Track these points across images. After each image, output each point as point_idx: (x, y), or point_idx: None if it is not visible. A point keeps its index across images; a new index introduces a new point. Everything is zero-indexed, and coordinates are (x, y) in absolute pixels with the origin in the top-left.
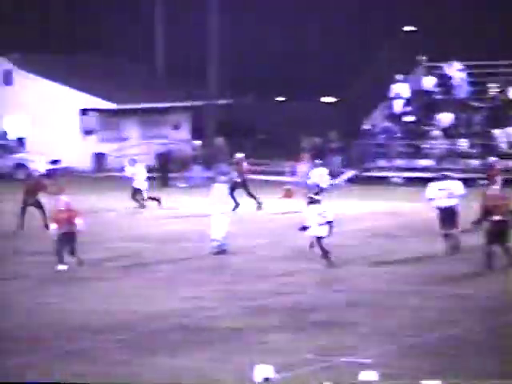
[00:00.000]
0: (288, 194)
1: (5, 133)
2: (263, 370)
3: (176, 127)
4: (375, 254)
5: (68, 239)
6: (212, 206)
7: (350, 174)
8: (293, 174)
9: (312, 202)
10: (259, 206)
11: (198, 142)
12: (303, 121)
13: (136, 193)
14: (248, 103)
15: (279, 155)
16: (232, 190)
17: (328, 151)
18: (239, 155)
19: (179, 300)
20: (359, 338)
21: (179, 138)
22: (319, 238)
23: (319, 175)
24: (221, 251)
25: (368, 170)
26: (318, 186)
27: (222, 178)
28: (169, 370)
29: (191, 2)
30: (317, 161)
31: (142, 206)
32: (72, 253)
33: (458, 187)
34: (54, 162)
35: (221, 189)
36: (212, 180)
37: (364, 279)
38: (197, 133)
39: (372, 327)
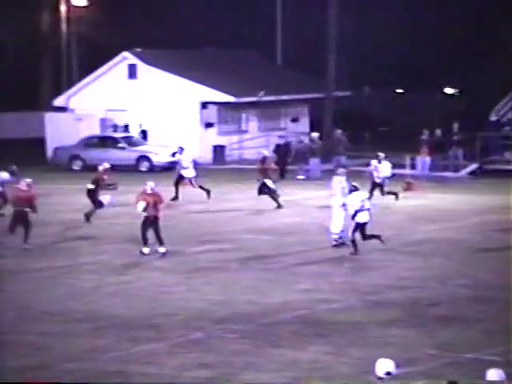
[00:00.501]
0: (409, 187)
1: (127, 126)
2: (385, 364)
3: (294, 120)
4: (496, 246)
5: (151, 223)
6: (332, 199)
7: (473, 166)
8: (413, 166)
9: (354, 189)
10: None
11: (316, 135)
12: (424, 112)
13: (180, 180)
14: (366, 95)
15: (399, 148)
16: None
17: (450, 143)
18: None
19: (298, 292)
20: (484, 334)
21: (297, 130)
22: (361, 224)
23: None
24: (340, 244)
25: (493, 162)
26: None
27: (341, 170)
28: (287, 362)
29: None
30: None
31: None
32: (158, 239)
33: None
34: (175, 153)
35: (340, 181)
36: (330, 172)
37: (486, 274)
38: (315, 125)
39: (498, 323)
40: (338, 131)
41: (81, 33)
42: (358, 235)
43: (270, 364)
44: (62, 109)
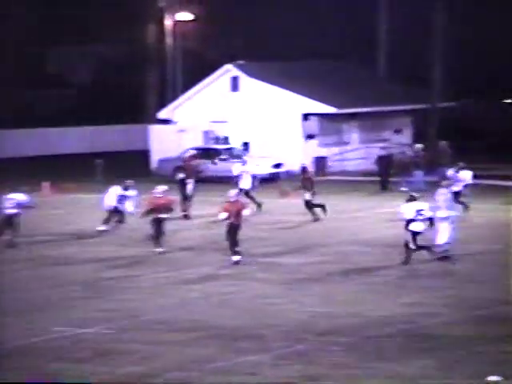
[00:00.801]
0: None
1: (227, 138)
2: (494, 382)
3: (397, 131)
4: None
5: (233, 230)
6: (437, 212)
7: None
8: None
9: (410, 199)
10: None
11: (420, 146)
12: None
13: (245, 193)
14: (472, 105)
15: (509, 159)
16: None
17: None
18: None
19: (403, 305)
20: None
21: (400, 141)
22: (415, 234)
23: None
24: (446, 257)
25: None
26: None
27: (446, 182)
28: (391, 375)
29: (414, 4)
30: None
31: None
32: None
33: None
34: (277, 165)
35: (445, 194)
36: (434, 184)
37: None
38: (418, 136)
39: None
40: (443, 142)
41: (185, 46)
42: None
43: (374, 377)
44: (166, 121)
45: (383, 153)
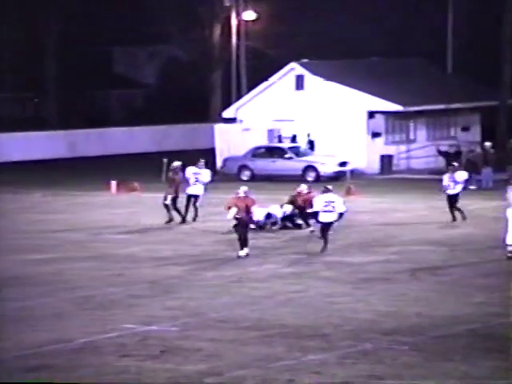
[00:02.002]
0: None
1: (295, 136)
2: None
3: (465, 128)
4: None
5: (242, 226)
6: (507, 210)
7: None
8: None
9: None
10: None
11: (489, 144)
12: None
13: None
14: None
15: None
16: None
17: None
18: None
19: (471, 305)
20: None
21: (468, 139)
22: (324, 224)
23: None
24: None
25: None
26: None
27: None
28: (460, 376)
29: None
30: None
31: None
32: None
33: None
34: (343, 164)
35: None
36: (504, 183)
37: None
38: (487, 134)
39: None
40: None
41: (250, 45)
42: None
43: (441, 377)
44: (231, 120)
45: (451, 150)
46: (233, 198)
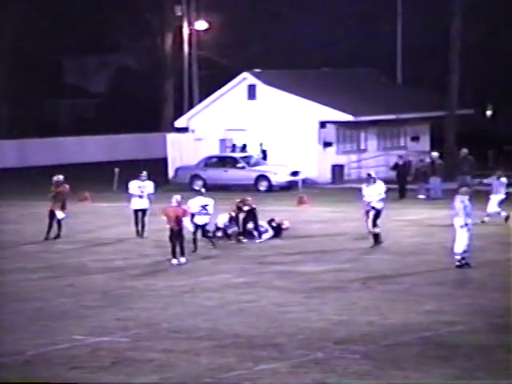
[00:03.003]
0: None
1: (245, 146)
2: None
3: (415, 138)
4: None
5: (176, 235)
6: (455, 219)
7: None
8: None
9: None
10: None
11: (437, 154)
12: None
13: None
14: (490, 113)
15: None
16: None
17: None
18: None
19: (420, 313)
20: None
21: (418, 149)
22: (198, 226)
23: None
24: (464, 265)
25: None
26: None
27: (464, 189)
28: None
29: (432, 9)
30: None
31: None
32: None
33: None
34: (295, 173)
35: (462, 201)
36: (452, 192)
37: None
38: (436, 144)
39: None
40: (464, 150)
41: (202, 55)
42: None
43: None
44: (184, 129)
45: (400, 161)
46: (166, 206)
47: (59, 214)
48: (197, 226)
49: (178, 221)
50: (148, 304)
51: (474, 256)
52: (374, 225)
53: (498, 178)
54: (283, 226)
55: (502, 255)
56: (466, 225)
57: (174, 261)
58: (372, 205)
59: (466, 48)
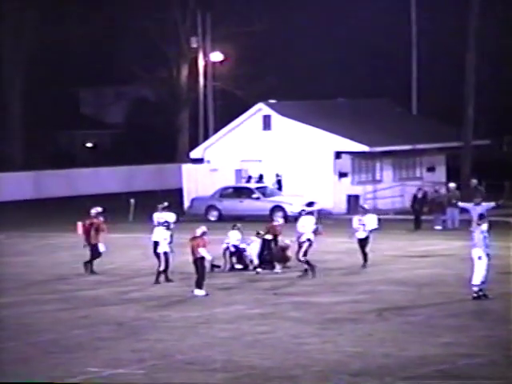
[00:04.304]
0: None
1: (262, 176)
2: None
3: (430, 169)
4: None
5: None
6: (473, 250)
7: None
8: None
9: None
10: None
11: (454, 185)
12: None
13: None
14: (507, 143)
15: None
16: None
17: None
18: None
19: (438, 346)
20: None
21: (434, 179)
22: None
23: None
24: (481, 296)
25: None
26: None
27: (482, 220)
28: None
29: (447, 43)
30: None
31: None
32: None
33: None
34: (310, 204)
35: (482, 231)
36: (468, 223)
37: None
38: (452, 174)
39: None
40: (474, 181)
41: (217, 86)
42: None
43: None
44: (199, 160)
45: (419, 193)
46: (192, 238)
47: (101, 247)
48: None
49: (194, 251)
50: (163, 335)
51: (491, 287)
52: (305, 254)
53: (476, 204)
54: (286, 247)
55: None
56: (487, 255)
57: (199, 292)
58: (308, 237)
59: (480, 79)
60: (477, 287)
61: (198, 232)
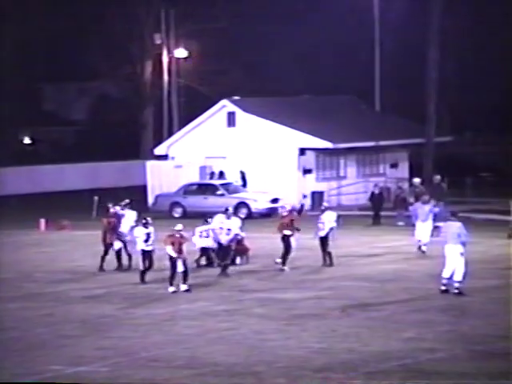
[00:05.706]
0: None
1: (222, 172)
2: None
3: (393, 165)
4: None
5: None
6: (446, 246)
7: None
8: None
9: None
10: None
11: (418, 180)
12: None
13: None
14: (467, 140)
15: (504, 194)
16: None
17: None
18: None
19: (401, 341)
20: None
21: (397, 176)
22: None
23: None
24: (446, 290)
25: None
26: None
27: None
28: None
29: (408, 39)
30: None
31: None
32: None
33: None
34: (275, 200)
35: (452, 227)
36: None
37: None
38: (415, 171)
39: None
40: (437, 177)
41: (181, 83)
42: None
43: None
44: (163, 157)
45: (376, 189)
46: (169, 235)
47: (117, 245)
48: (143, 252)
49: (181, 249)
50: (127, 333)
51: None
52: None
53: (423, 203)
54: (241, 239)
55: (482, 282)
56: (454, 251)
57: (171, 288)
58: (236, 232)
59: (444, 76)
60: (445, 280)
61: (177, 229)
